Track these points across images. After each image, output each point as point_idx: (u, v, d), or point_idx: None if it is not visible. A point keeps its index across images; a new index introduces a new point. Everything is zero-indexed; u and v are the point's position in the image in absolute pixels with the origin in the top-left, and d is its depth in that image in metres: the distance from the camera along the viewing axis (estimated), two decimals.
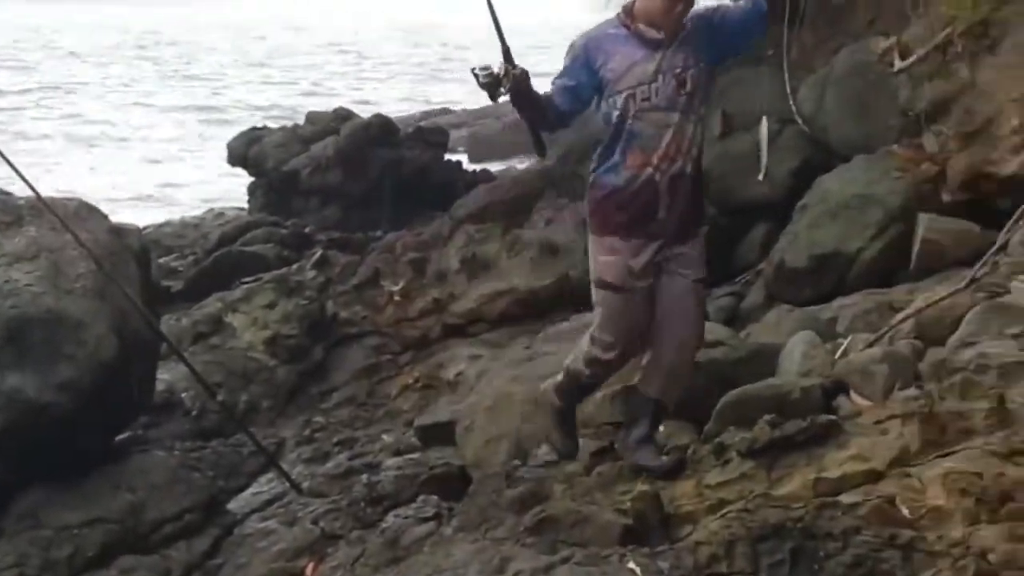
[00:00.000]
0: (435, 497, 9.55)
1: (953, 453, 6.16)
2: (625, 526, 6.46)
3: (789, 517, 5.81)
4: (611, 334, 6.90)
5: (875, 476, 6.22)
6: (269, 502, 10.28)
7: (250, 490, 10.75)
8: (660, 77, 6.56)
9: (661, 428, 7.65)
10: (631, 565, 5.92)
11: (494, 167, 26.08)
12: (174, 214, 23.60)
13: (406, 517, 8.45)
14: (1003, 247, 9.07)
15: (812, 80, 12.48)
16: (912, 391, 6.98)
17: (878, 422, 6.75)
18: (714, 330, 10.28)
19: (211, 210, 22.41)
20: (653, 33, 6.58)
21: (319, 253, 16.86)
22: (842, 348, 8.37)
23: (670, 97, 6.59)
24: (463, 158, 28.08)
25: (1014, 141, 10.45)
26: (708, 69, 6.80)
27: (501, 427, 10.41)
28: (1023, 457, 6.06)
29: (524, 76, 6.66)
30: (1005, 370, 7.08)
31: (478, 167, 25.21)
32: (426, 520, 8.32)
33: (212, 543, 9.79)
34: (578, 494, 7.92)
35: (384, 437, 12.28)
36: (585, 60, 6.76)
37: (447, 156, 24.09)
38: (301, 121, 23.91)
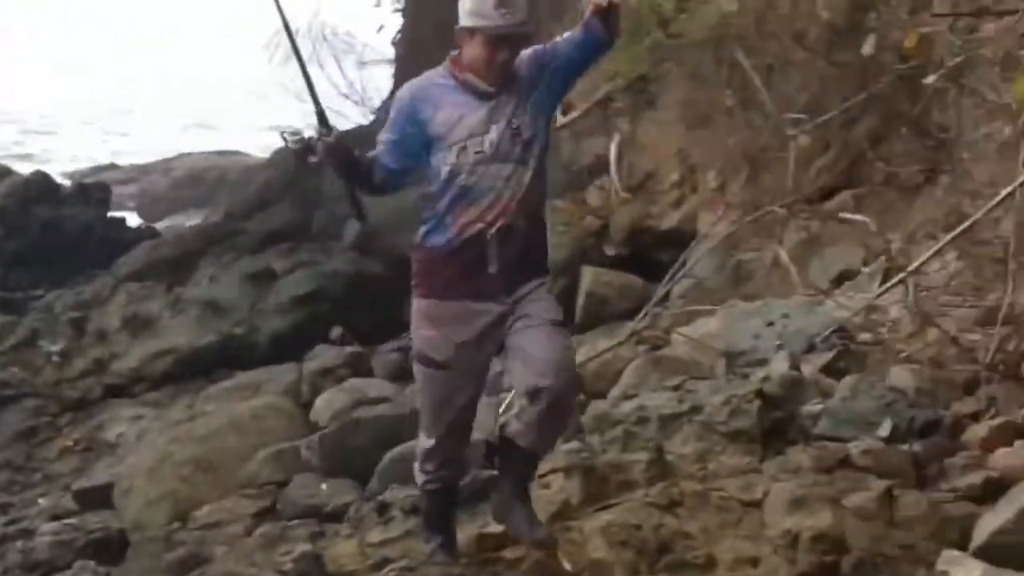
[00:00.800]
0: (92, 563, 9.60)
1: (614, 505, 6.18)
2: None
3: (452, 574, 5.82)
4: (434, 421, 6.15)
5: None
6: None
7: None
8: (493, 127, 6.02)
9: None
10: None
11: (165, 223, 25.22)
12: None
13: None
14: (663, 299, 9.31)
15: None
16: (574, 444, 6.98)
17: (541, 476, 6.66)
18: (379, 386, 10.62)
19: None
20: (482, 84, 6.04)
21: None
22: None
23: (505, 147, 6.02)
24: (133, 214, 26.85)
25: (673, 195, 10.81)
26: (545, 113, 6.22)
27: (161, 489, 10.61)
28: (681, 508, 6.14)
29: (338, 142, 6.04)
30: (664, 422, 7.17)
31: (146, 224, 25.02)
32: None
33: None
34: (239, 556, 8.10)
35: (41, 502, 11.99)
36: (411, 113, 6.13)
37: (113, 213, 23.14)
38: None
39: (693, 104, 11.25)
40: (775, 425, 6.97)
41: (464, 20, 5.85)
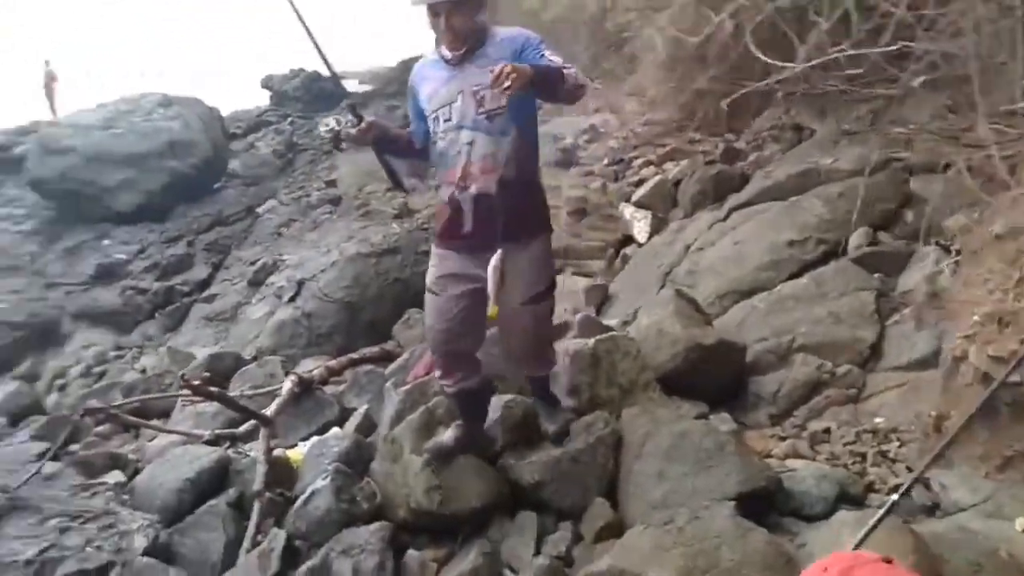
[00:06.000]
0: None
1: None
2: None
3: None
4: (428, 330, 6.12)
5: None
6: None
7: None
8: (460, 97, 5.67)
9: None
10: None
11: None
12: None
13: None
14: None
15: None
16: None
17: None
18: None
19: None
20: (446, 51, 5.72)
21: None
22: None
23: (468, 116, 5.67)
24: None
25: None
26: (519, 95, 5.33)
27: None
28: None
29: (369, 126, 5.85)
30: None
31: None
32: None
33: None
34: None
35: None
36: (412, 91, 5.95)
37: None
38: None
39: None
40: None
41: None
